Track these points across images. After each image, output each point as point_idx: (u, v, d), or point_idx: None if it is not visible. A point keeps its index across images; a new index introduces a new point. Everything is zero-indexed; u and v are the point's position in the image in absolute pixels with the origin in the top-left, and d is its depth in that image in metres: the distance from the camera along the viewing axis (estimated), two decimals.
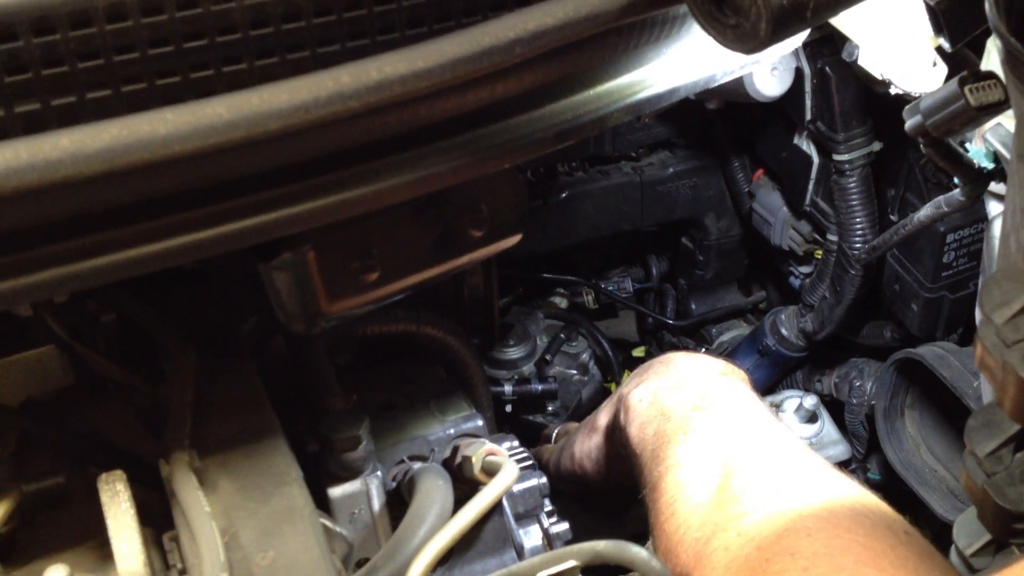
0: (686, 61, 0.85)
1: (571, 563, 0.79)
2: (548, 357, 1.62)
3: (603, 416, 1.13)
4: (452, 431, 1.06)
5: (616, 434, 1.06)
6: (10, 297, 0.69)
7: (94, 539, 0.82)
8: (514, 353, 1.58)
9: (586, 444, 1.15)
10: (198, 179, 0.68)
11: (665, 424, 0.95)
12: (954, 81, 0.84)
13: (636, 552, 0.79)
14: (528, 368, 1.58)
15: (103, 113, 0.65)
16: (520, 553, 1.00)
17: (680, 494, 0.88)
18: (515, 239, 0.92)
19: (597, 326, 1.72)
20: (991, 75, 0.85)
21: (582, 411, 1.60)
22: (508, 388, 1.52)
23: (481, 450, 0.95)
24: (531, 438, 1.17)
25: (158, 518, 0.82)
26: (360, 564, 0.92)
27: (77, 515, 0.85)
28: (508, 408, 1.54)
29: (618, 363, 1.68)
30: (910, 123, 0.90)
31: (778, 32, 0.65)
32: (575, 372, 1.66)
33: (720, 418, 0.93)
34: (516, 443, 1.09)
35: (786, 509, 0.80)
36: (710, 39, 0.68)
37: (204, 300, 1.05)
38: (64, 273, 0.69)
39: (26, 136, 0.62)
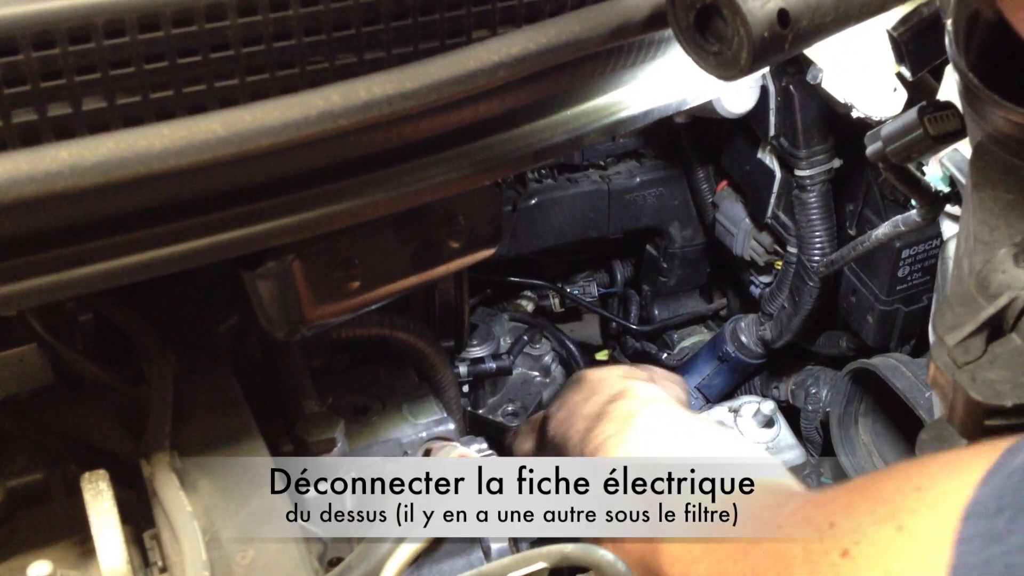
0: (661, 84, 0.88)
1: (540, 565, 0.81)
2: (510, 357, 1.63)
3: (527, 441, 1.23)
4: (424, 434, 1.08)
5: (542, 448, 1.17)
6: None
7: (74, 536, 0.84)
8: (477, 352, 1.59)
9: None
10: (189, 191, 0.70)
11: (584, 423, 1.06)
12: (914, 111, 0.87)
13: (602, 555, 0.82)
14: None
15: (97, 124, 0.67)
16: (487, 554, 1.03)
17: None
18: (491, 251, 0.94)
19: (561, 329, 1.74)
20: (949, 105, 0.88)
21: None
22: (463, 369, 1.50)
23: (453, 453, 0.97)
24: (489, 437, 1.20)
25: (136, 516, 0.84)
26: (333, 563, 0.94)
27: (56, 513, 0.87)
28: (465, 388, 1.52)
29: (582, 365, 1.69)
30: (871, 149, 0.93)
31: (758, 61, 0.68)
32: (537, 374, 1.67)
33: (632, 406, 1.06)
34: (484, 445, 1.12)
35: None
36: (685, 63, 0.71)
37: (181, 301, 1.06)
38: (51, 281, 0.71)
39: (25, 148, 0.63)
